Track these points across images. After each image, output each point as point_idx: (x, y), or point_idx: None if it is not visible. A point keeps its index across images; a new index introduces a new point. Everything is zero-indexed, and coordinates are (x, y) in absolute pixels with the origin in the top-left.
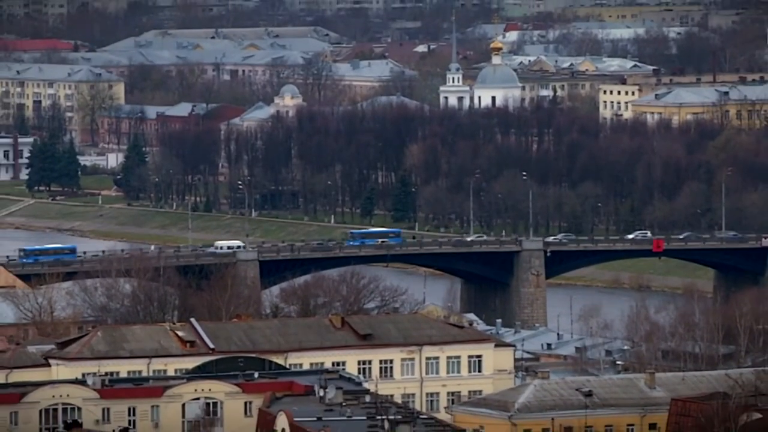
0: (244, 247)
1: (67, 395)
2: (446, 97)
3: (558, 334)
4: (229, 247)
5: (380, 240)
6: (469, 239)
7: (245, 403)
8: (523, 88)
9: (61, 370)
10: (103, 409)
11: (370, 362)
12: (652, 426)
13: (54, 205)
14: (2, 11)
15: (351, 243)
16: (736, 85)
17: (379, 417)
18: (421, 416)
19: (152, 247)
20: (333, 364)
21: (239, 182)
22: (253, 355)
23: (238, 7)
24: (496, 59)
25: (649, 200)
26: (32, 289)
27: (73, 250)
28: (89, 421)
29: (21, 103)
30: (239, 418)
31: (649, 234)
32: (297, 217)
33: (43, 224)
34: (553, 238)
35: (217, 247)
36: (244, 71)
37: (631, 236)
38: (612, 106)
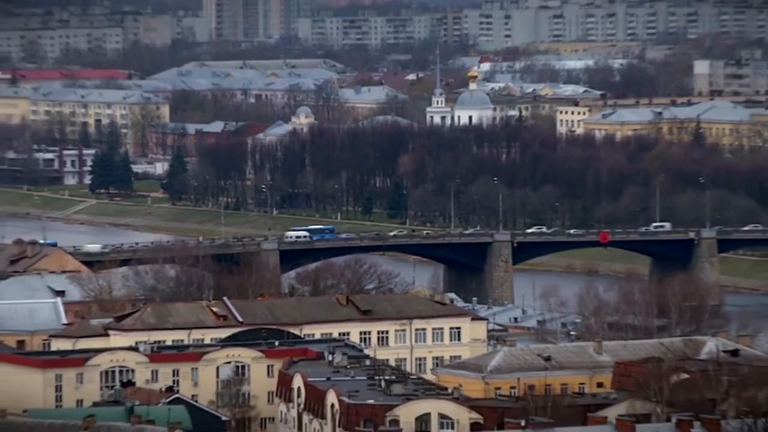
0: (301, 237)
1: (123, 360)
2: (432, 117)
3: (523, 310)
4: (297, 237)
5: (315, 235)
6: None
7: (268, 366)
8: (495, 109)
9: (117, 339)
10: (152, 371)
11: (369, 333)
12: (599, 384)
13: (111, 204)
14: (69, 46)
15: (312, 239)
16: (668, 106)
17: (377, 377)
18: (411, 377)
19: (200, 238)
20: (339, 334)
21: (263, 186)
22: (274, 327)
23: (261, 43)
24: (472, 85)
25: (597, 200)
26: (94, 273)
27: None
28: (141, 381)
29: (85, 121)
30: (263, 379)
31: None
32: (310, 215)
33: (103, 220)
34: (532, 229)
35: (289, 237)
36: (266, 95)
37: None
38: (567, 124)
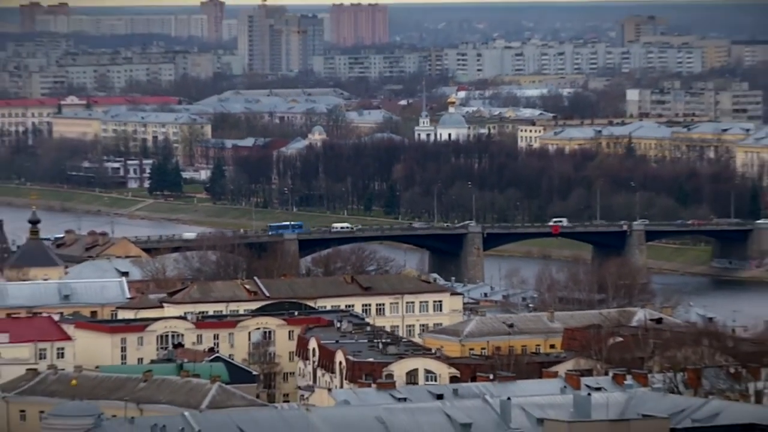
0: (343, 227)
1: (174, 326)
2: (419, 134)
3: (491, 287)
4: (341, 227)
5: (290, 229)
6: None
7: (289, 332)
8: (469, 127)
9: (170, 310)
10: (197, 336)
11: (369, 305)
12: (552, 346)
13: (165, 203)
14: (132, 78)
15: (271, 233)
16: (606, 126)
17: (375, 340)
18: (402, 340)
19: (248, 229)
20: (345, 306)
21: (285, 189)
22: (294, 300)
23: (284, 76)
24: (451, 109)
25: (550, 200)
26: (152, 258)
27: None
28: (188, 343)
29: (144, 137)
30: (285, 341)
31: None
32: (322, 212)
33: (158, 216)
34: (503, 223)
35: (335, 227)
36: (288, 117)
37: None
38: (526, 140)
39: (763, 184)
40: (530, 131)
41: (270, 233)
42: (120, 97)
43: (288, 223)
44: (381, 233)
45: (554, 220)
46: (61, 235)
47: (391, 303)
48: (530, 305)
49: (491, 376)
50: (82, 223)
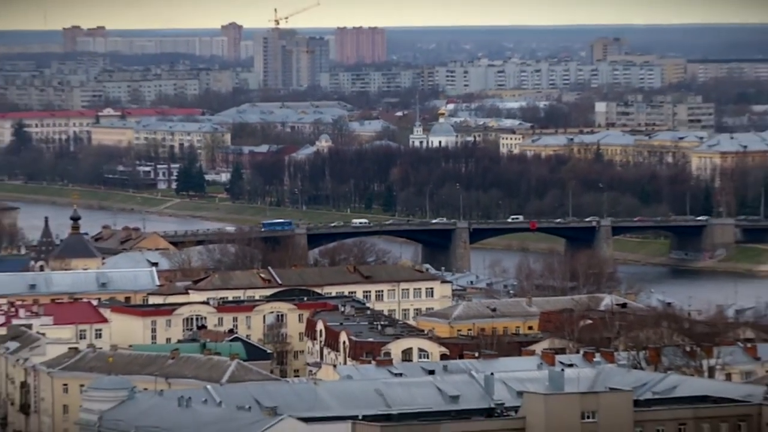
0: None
1: (198, 310)
2: (413, 141)
3: (476, 276)
4: (360, 222)
5: (279, 226)
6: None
7: (299, 315)
8: (457, 136)
9: (194, 296)
10: (219, 318)
11: (370, 292)
12: (530, 327)
13: (190, 202)
14: (161, 92)
15: (264, 228)
16: (577, 134)
17: (375, 323)
18: (398, 322)
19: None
20: (348, 293)
21: (295, 189)
22: (303, 287)
23: (295, 90)
24: (441, 120)
25: (528, 199)
26: (178, 250)
27: None
28: (211, 325)
29: (172, 144)
30: (296, 323)
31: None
32: (328, 210)
33: (184, 213)
34: (487, 220)
35: (355, 222)
36: (298, 126)
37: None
38: (507, 146)
39: (715, 185)
40: (511, 139)
41: (263, 229)
42: (150, 109)
43: (279, 220)
44: (380, 228)
45: (512, 217)
46: (99, 231)
47: (388, 290)
48: (511, 292)
49: (476, 354)
50: (117, 219)
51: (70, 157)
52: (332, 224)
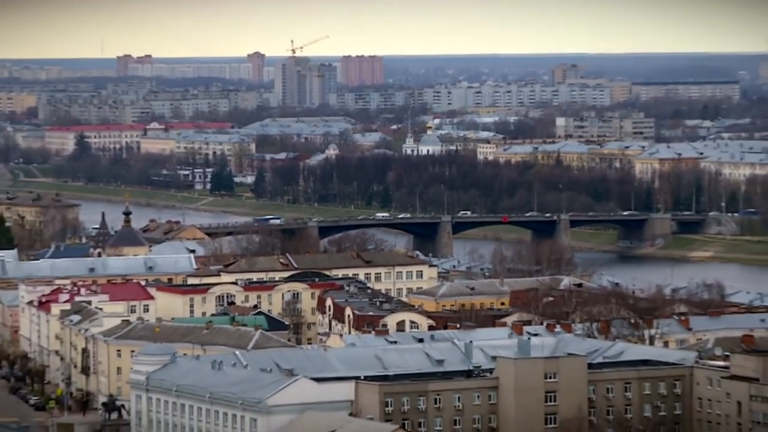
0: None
1: (228, 289)
2: (406, 150)
3: (458, 261)
4: (381, 216)
5: (271, 220)
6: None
7: (312, 293)
8: (442, 145)
9: (225, 278)
10: (245, 296)
11: (370, 274)
12: (502, 303)
13: (222, 200)
14: (198, 109)
15: (256, 224)
16: (541, 144)
17: (374, 299)
18: (393, 299)
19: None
20: (352, 275)
21: (308, 189)
22: (315, 270)
23: (308, 107)
24: (429, 132)
25: (501, 197)
26: (212, 240)
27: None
28: (239, 302)
29: (206, 152)
30: (309, 300)
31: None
32: (335, 206)
33: (217, 209)
34: (459, 215)
35: (378, 215)
36: (310, 137)
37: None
38: (483, 154)
39: (654, 186)
40: (486, 148)
41: (255, 224)
42: (189, 123)
43: (269, 216)
44: (378, 222)
45: (462, 212)
46: (146, 224)
47: (385, 272)
48: (486, 274)
49: (458, 325)
50: (161, 214)
51: (122, 163)
52: (375, 216)
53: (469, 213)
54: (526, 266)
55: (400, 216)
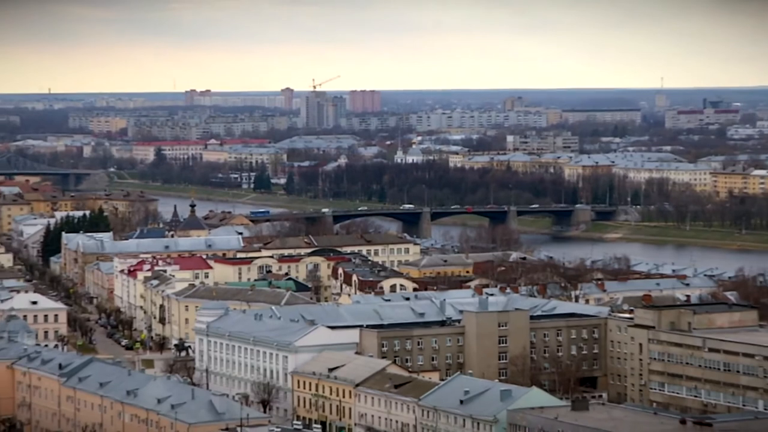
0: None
1: (267, 261)
2: (397, 159)
3: (435, 240)
4: (407, 207)
5: (241, 215)
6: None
7: (327, 264)
8: (423, 156)
9: (264, 253)
10: (279, 266)
11: (371, 250)
12: (467, 272)
13: (262, 196)
14: (244, 130)
15: (252, 217)
16: (496, 155)
17: (374, 269)
18: (388, 268)
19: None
20: (357, 251)
21: (325, 188)
22: (330, 248)
23: (325, 128)
24: (413, 146)
25: (466, 194)
26: (254, 225)
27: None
28: (275, 270)
29: (251, 161)
30: (325, 269)
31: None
32: (345, 200)
33: (258, 203)
34: (441, 207)
35: (403, 206)
36: (326, 150)
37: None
38: (453, 163)
39: (579, 186)
40: (455, 158)
41: (252, 217)
42: (238, 140)
43: (261, 210)
44: (377, 212)
45: (405, 205)
46: (207, 213)
47: (381, 249)
48: (455, 250)
49: (435, 288)
50: (217, 206)
51: (189, 169)
52: (402, 206)
53: (442, 206)
54: (485, 244)
55: (392, 208)
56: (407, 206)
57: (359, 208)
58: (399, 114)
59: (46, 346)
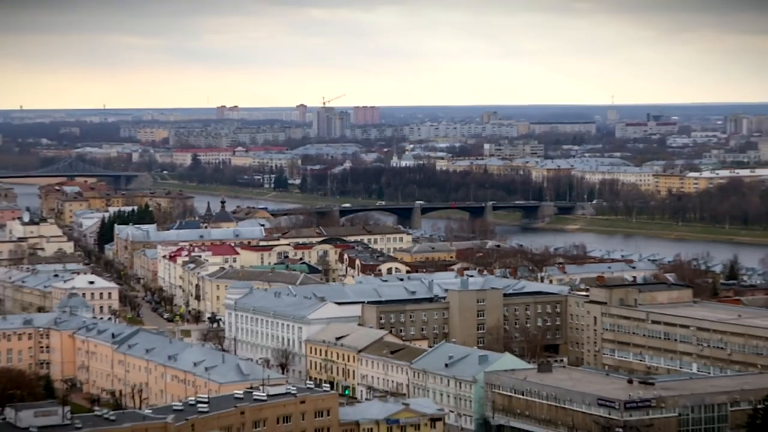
0: (420, 203)
1: (285, 248)
2: (393, 163)
3: (425, 231)
4: (419, 203)
5: (263, 210)
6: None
7: (335, 250)
8: (415, 160)
9: (282, 241)
10: (295, 252)
11: (371, 239)
12: (451, 257)
13: (280, 194)
14: (267, 139)
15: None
16: (475, 160)
17: (374, 254)
18: (385, 254)
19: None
20: (360, 239)
21: (333, 187)
22: (337, 237)
23: (333, 137)
24: (407, 153)
25: (451, 192)
26: (274, 218)
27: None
28: (291, 255)
29: (271, 165)
30: (333, 255)
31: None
32: (350, 198)
33: (278, 199)
34: (429, 202)
35: (417, 203)
36: (334, 156)
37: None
38: (440, 166)
39: (544, 185)
40: (442, 162)
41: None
42: (260, 147)
43: (263, 206)
44: (376, 207)
45: (427, 201)
46: (234, 208)
47: (380, 238)
48: (442, 239)
49: (424, 270)
50: (243, 202)
51: (220, 172)
52: (416, 203)
53: (431, 202)
54: (466, 234)
55: (389, 203)
56: (402, 203)
57: (361, 204)
58: (395, 126)
59: (101, 318)
